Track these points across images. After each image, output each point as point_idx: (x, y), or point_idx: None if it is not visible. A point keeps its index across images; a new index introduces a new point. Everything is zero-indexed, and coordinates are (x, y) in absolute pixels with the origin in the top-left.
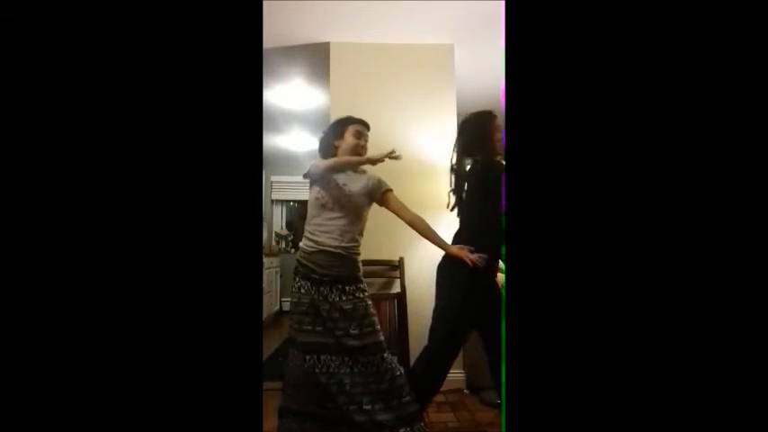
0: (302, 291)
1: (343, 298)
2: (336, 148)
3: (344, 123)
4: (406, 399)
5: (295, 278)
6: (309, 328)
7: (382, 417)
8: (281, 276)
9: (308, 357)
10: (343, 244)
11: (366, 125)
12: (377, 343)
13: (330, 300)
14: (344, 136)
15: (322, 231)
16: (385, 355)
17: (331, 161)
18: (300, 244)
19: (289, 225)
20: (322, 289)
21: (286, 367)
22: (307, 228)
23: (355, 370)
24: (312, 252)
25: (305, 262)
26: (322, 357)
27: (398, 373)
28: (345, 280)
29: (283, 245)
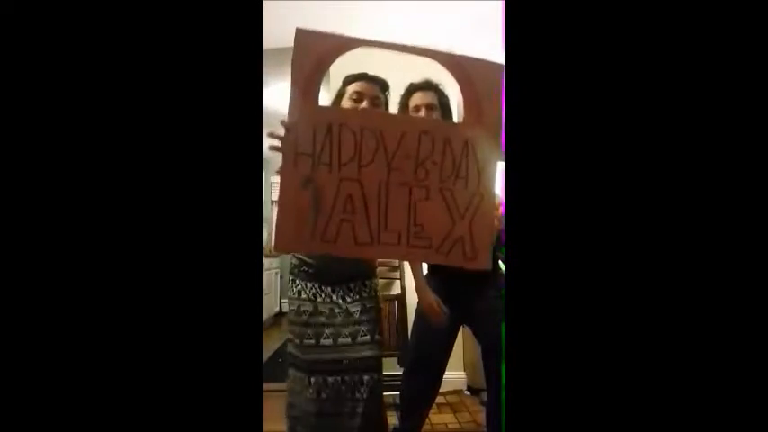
0: (302, 296)
1: (356, 297)
2: None
3: (344, 83)
4: None
5: (293, 281)
6: (313, 342)
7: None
8: (280, 277)
9: (312, 380)
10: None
11: (377, 82)
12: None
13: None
14: (342, 102)
15: None
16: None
17: None
18: None
19: None
20: (334, 288)
21: (288, 390)
22: None
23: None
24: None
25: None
26: (329, 379)
27: None
28: (356, 277)
29: None
